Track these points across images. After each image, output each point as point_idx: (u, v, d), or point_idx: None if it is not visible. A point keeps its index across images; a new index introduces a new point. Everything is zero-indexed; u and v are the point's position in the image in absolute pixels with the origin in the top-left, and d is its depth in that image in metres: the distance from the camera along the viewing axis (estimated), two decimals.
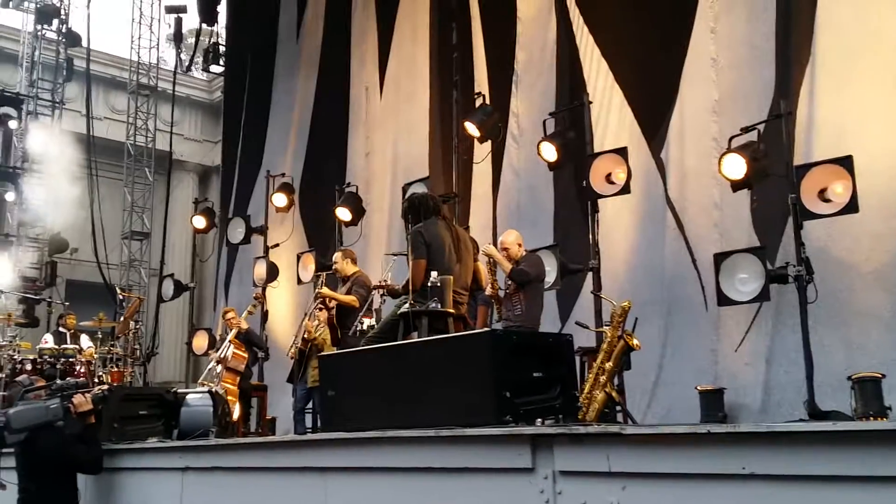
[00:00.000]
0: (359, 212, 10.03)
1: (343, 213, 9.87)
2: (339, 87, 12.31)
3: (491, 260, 6.60)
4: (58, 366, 8.95)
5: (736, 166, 6.51)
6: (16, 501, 5.10)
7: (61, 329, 10.25)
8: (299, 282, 10.36)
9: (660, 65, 8.42)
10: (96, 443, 5.32)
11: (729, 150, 6.57)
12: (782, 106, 6.62)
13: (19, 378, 8.45)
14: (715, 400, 6.88)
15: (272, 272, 10.73)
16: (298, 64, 13.31)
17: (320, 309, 7.45)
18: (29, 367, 8.87)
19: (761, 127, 6.60)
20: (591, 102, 7.96)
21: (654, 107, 8.41)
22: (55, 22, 15.99)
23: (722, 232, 7.60)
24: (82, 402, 5.23)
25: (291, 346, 8.16)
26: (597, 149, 7.81)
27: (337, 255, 7.80)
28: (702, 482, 2.68)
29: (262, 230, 10.93)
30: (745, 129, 6.58)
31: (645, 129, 8.42)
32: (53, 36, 16.10)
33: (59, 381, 5.95)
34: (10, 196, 14.67)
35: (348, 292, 7.32)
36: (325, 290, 7.29)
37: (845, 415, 5.70)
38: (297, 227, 11.51)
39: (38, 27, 15.93)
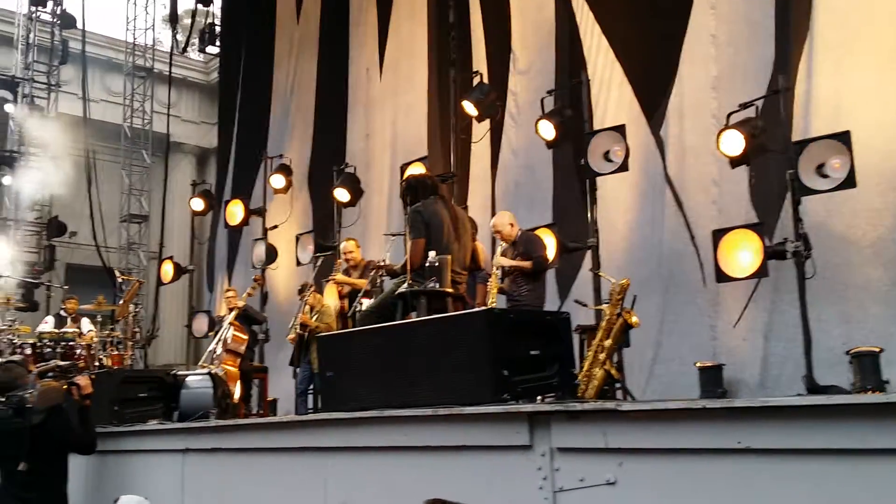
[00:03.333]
0: (357, 192, 9.98)
1: (341, 194, 9.83)
2: (339, 67, 12.22)
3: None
4: (58, 349, 8.94)
5: (734, 142, 6.48)
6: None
7: (62, 313, 10.25)
8: (298, 263, 10.35)
9: (659, 41, 8.36)
10: (92, 424, 5.35)
11: (727, 127, 6.54)
12: (780, 82, 6.58)
13: (15, 358, 8.31)
14: (714, 376, 6.92)
15: (271, 254, 10.73)
16: (298, 45, 13.20)
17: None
18: (29, 350, 8.86)
19: (759, 103, 6.57)
20: (590, 80, 7.91)
21: (653, 84, 8.35)
22: (49, 4, 15.83)
23: (720, 208, 7.58)
24: (87, 384, 5.25)
25: (291, 329, 8.20)
26: (596, 126, 7.79)
27: (351, 244, 7.77)
28: (698, 457, 2.70)
29: (261, 212, 10.90)
30: (744, 105, 6.55)
31: (644, 106, 8.36)
32: (48, 18, 15.96)
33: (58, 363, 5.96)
34: (7, 180, 14.60)
35: (362, 277, 7.37)
36: (340, 277, 7.35)
37: (843, 389, 5.72)
38: (297, 208, 11.48)
39: (33, 9, 15.76)
